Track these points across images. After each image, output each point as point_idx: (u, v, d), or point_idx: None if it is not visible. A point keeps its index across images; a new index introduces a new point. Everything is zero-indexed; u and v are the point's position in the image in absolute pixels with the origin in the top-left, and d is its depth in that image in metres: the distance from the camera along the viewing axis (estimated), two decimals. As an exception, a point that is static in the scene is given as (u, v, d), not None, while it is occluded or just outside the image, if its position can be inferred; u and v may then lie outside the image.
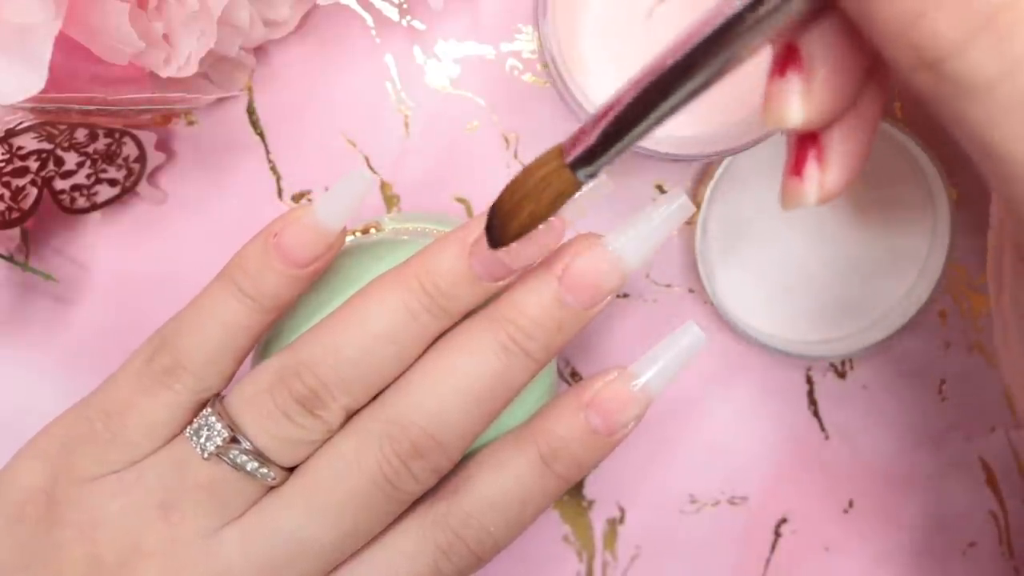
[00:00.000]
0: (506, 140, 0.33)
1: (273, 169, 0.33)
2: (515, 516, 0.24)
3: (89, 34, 0.26)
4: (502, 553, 0.24)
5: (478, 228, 0.23)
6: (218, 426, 0.23)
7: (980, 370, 0.35)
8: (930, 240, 0.33)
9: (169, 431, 0.24)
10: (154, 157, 0.31)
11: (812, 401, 0.35)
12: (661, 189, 0.33)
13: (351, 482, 0.23)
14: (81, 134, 0.28)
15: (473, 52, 0.33)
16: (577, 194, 0.22)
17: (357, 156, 0.33)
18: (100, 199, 0.31)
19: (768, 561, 0.35)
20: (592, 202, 0.23)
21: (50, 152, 0.28)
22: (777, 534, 0.35)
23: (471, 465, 0.24)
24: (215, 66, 0.31)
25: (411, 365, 0.24)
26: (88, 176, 0.30)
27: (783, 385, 0.35)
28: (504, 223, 0.21)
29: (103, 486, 0.24)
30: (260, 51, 0.32)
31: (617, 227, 0.23)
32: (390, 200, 0.33)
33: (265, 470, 0.23)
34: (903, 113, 0.33)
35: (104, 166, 0.30)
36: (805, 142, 0.19)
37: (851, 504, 0.35)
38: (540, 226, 0.21)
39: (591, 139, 0.19)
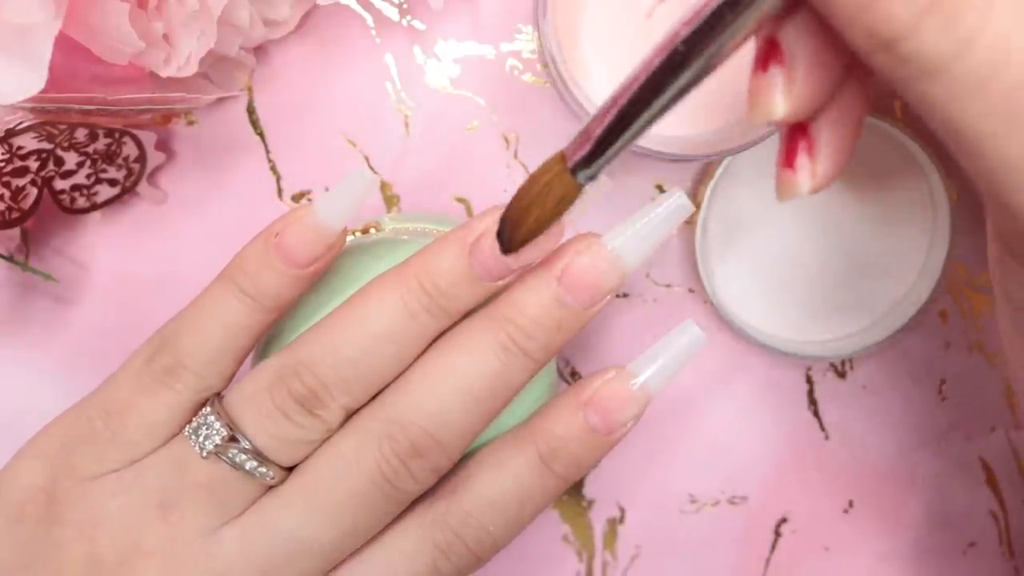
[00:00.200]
0: (506, 140, 0.33)
1: (273, 169, 0.33)
2: (514, 515, 0.24)
3: (89, 34, 0.26)
4: (501, 553, 0.24)
5: (478, 228, 0.23)
6: (217, 425, 0.23)
7: (980, 370, 0.35)
8: (930, 240, 0.33)
9: (169, 431, 0.24)
10: (154, 157, 0.31)
11: (812, 401, 0.35)
12: (661, 189, 0.34)
13: (350, 482, 0.23)
14: (81, 134, 0.28)
15: (473, 52, 0.33)
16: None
17: (357, 156, 0.33)
18: (100, 199, 0.31)
19: (768, 561, 0.35)
20: (592, 201, 0.23)
21: (50, 152, 0.28)
22: (777, 534, 0.35)
23: (470, 464, 0.24)
24: (215, 66, 0.31)
25: (410, 365, 0.24)
26: (88, 176, 0.30)
27: (783, 385, 0.35)
28: (513, 230, 0.22)
29: (103, 485, 0.24)
30: (260, 51, 0.32)
31: (616, 227, 0.23)
32: (390, 200, 0.33)
33: (264, 469, 0.23)
34: (903, 113, 0.33)
35: (104, 166, 0.30)
36: (795, 134, 0.20)
37: (851, 504, 0.35)
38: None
39: (588, 144, 0.20)
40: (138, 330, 0.25)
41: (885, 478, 0.35)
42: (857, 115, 0.20)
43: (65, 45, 0.25)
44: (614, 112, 0.19)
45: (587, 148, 0.20)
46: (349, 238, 0.28)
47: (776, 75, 0.18)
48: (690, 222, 0.32)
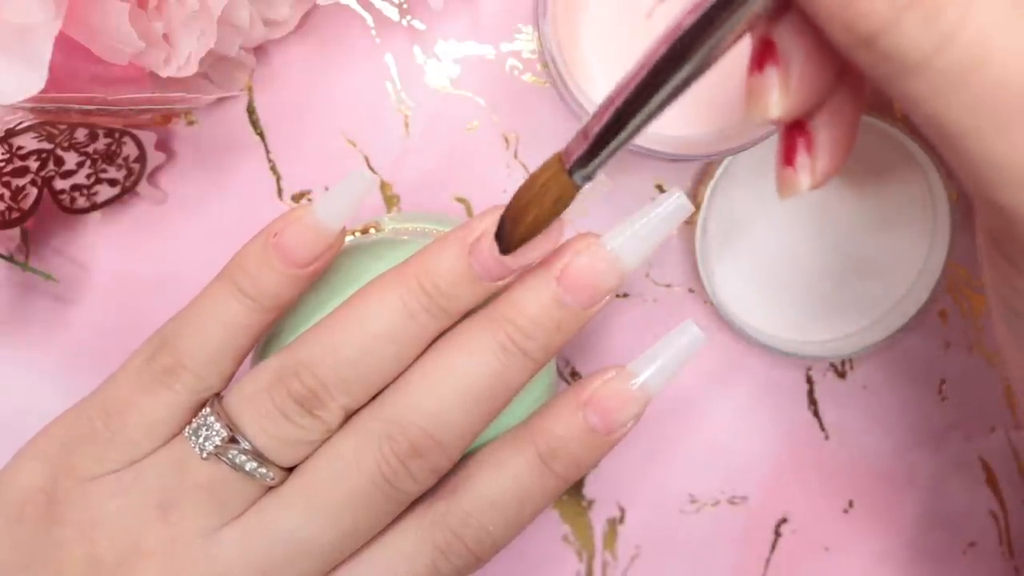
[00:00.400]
0: (506, 140, 0.33)
1: (273, 169, 0.33)
2: (514, 515, 0.24)
3: (89, 34, 0.26)
4: (501, 553, 0.24)
5: (478, 228, 0.23)
6: (217, 426, 0.23)
7: (980, 370, 0.35)
8: (930, 240, 0.33)
9: (169, 431, 0.24)
10: (154, 157, 0.31)
11: (812, 401, 0.35)
12: (661, 189, 0.34)
13: (350, 482, 0.23)
14: (81, 134, 0.28)
15: (473, 52, 0.33)
16: (578, 195, 0.23)
17: (357, 156, 0.33)
18: (100, 199, 0.31)
19: (768, 561, 0.35)
20: (592, 201, 0.23)
21: (50, 152, 0.28)
22: (777, 534, 0.35)
23: (470, 464, 0.24)
24: (215, 66, 0.31)
25: (410, 365, 0.24)
26: (88, 176, 0.30)
27: (783, 385, 0.35)
28: (511, 229, 0.22)
29: (102, 486, 0.24)
30: (260, 51, 0.32)
31: (616, 227, 0.23)
32: (390, 200, 0.33)
33: (264, 470, 0.23)
34: (903, 113, 0.33)
35: (104, 166, 0.30)
36: (794, 132, 0.20)
37: (851, 504, 0.35)
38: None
39: (586, 144, 0.20)
40: (138, 330, 0.25)
41: (885, 478, 0.35)
42: (854, 111, 0.20)
43: (65, 45, 0.25)
44: (612, 110, 0.19)
45: (584, 147, 0.20)
46: (349, 238, 0.28)
47: (772, 75, 0.19)
48: (690, 222, 0.32)
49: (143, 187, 0.32)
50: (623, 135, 0.20)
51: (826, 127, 0.20)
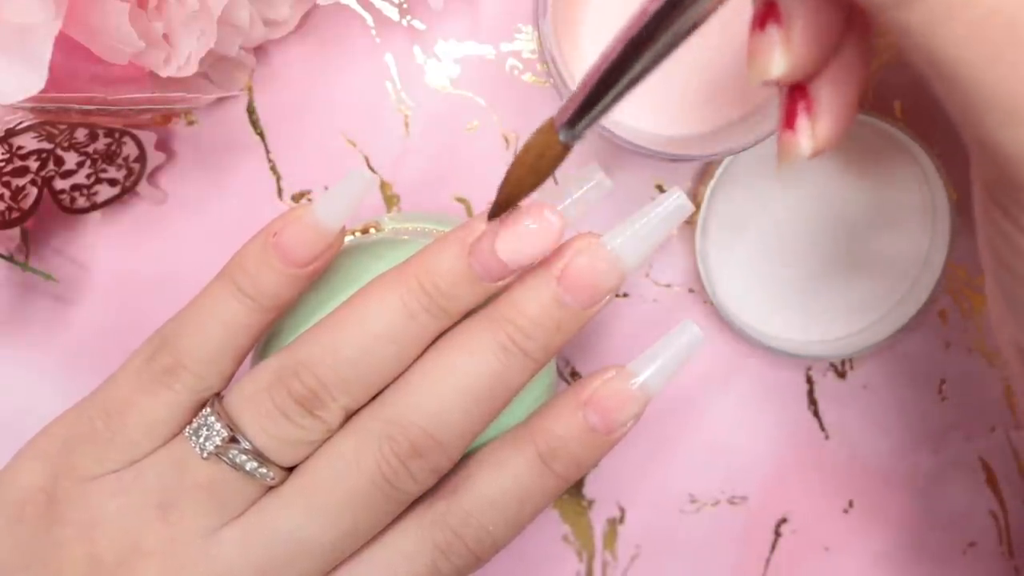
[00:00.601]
0: (506, 140, 0.33)
1: (273, 169, 0.33)
2: (514, 515, 0.24)
3: (89, 34, 0.26)
4: (501, 553, 0.24)
5: (478, 228, 0.23)
6: (217, 426, 0.23)
7: (980, 370, 0.35)
8: (930, 240, 0.33)
9: (169, 430, 0.24)
10: (154, 157, 0.31)
11: (812, 401, 0.35)
12: (661, 189, 0.34)
13: (350, 482, 0.23)
14: (81, 134, 0.28)
15: (473, 52, 0.33)
16: (577, 192, 0.23)
17: (357, 156, 0.33)
18: (100, 199, 0.31)
19: (768, 561, 0.35)
20: (592, 201, 0.23)
21: (50, 152, 0.28)
22: (777, 534, 0.35)
23: (470, 464, 0.24)
24: (215, 66, 0.31)
25: (410, 365, 0.24)
26: (88, 176, 0.30)
27: (783, 385, 0.35)
28: (499, 190, 0.22)
29: (102, 485, 0.24)
30: (260, 51, 0.32)
31: (616, 227, 0.23)
32: (390, 200, 0.33)
33: (264, 470, 0.23)
34: (903, 113, 0.33)
35: (104, 166, 0.30)
36: (795, 95, 0.20)
37: (851, 504, 0.35)
38: (534, 194, 0.22)
39: (575, 102, 0.20)
40: (138, 330, 0.25)
41: (885, 478, 0.35)
42: (857, 75, 0.20)
43: (65, 45, 0.25)
44: (604, 67, 0.19)
45: (574, 105, 0.20)
46: (349, 238, 0.28)
47: (773, 33, 0.19)
48: (690, 222, 0.32)
49: (143, 187, 0.32)
50: (611, 96, 0.20)
51: (827, 91, 0.20)
